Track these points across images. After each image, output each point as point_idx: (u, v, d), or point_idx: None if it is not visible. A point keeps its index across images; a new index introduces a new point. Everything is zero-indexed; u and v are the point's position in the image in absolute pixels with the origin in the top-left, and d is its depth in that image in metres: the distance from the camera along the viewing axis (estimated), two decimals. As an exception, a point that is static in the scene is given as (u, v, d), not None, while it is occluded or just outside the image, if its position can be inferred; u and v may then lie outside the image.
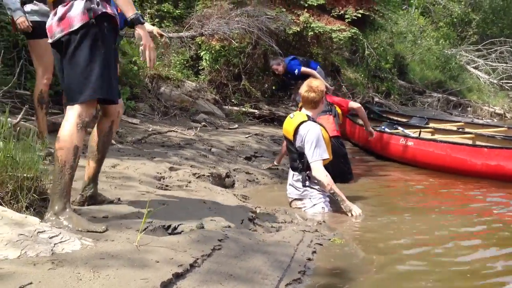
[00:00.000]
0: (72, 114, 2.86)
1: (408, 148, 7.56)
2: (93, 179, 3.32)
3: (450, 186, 6.36)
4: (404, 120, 10.33)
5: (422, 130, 8.74)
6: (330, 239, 3.64)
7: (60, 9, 2.88)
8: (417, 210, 4.99)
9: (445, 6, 24.00)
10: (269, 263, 2.83)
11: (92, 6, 2.86)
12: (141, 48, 2.99)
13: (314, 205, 4.65)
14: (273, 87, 11.18)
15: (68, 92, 2.94)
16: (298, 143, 4.66)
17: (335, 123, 6.33)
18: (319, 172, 4.53)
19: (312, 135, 4.58)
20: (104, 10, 2.90)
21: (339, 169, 5.79)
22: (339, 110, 6.60)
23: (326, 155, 4.60)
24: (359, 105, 7.03)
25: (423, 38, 21.42)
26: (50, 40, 2.94)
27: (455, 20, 24.59)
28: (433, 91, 17.94)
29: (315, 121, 4.75)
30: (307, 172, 4.66)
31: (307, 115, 4.73)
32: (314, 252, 3.29)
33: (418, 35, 21.32)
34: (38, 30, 4.77)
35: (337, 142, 6.18)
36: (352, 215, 4.46)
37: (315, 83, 4.83)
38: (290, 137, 4.73)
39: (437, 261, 3.50)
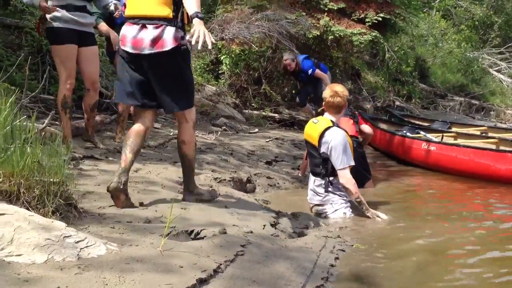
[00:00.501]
0: (188, 119, 3.67)
1: (430, 153, 7.49)
2: (128, 168, 3.55)
3: (474, 192, 6.28)
4: (426, 124, 10.24)
5: (444, 134, 8.65)
6: (352, 245, 3.63)
7: (153, 30, 3.42)
8: (440, 216, 4.92)
9: (466, 8, 23.80)
10: (292, 269, 2.82)
11: (181, 35, 3.44)
12: (192, 31, 3.21)
13: (336, 210, 4.63)
14: (293, 91, 11.18)
15: (166, 99, 3.56)
16: (323, 149, 4.63)
17: (355, 125, 6.34)
18: (347, 180, 4.51)
19: (339, 141, 4.55)
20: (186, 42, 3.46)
21: (357, 169, 5.79)
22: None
23: (353, 162, 4.58)
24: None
25: (444, 41, 21.25)
26: (133, 51, 3.46)
27: (476, 22, 24.34)
28: (455, 95, 17.78)
29: (339, 127, 4.73)
30: (330, 178, 4.64)
31: (331, 121, 4.71)
32: (336, 258, 3.28)
33: (440, 38, 21.15)
34: (61, 36, 4.84)
35: (354, 142, 6.12)
36: (382, 218, 4.46)
37: (339, 88, 4.81)
38: (315, 142, 4.70)
39: (461, 270, 3.46)
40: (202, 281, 2.37)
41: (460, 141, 8.32)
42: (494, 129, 9.86)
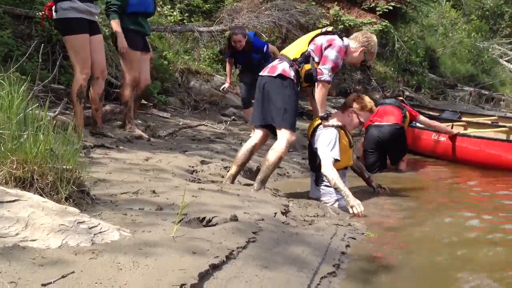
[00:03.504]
0: (284, 137, 4.32)
1: (440, 144, 7.45)
2: (231, 177, 4.55)
3: (484, 182, 6.26)
4: (435, 114, 10.17)
5: (454, 124, 8.60)
6: (363, 233, 3.64)
7: (276, 61, 4.50)
8: (448, 206, 4.93)
9: (476, -2, 23.61)
10: (304, 256, 2.83)
11: (292, 73, 4.35)
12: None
13: (337, 200, 4.58)
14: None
15: (271, 117, 4.37)
16: (314, 144, 4.63)
17: (401, 115, 6.69)
18: (326, 168, 4.40)
19: (327, 135, 4.53)
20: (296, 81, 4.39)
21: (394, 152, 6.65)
22: (407, 114, 6.91)
23: (337, 156, 4.47)
24: (425, 118, 7.44)
25: (454, 31, 21.12)
26: (260, 73, 4.55)
27: (487, 12, 24.16)
28: (465, 85, 17.69)
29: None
30: (320, 172, 4.62)
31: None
32: (347, 246, 3.28)
33: (450, 28, 21.02)
34: (77, 26, 4.86)
35: (398, 130, 6.61)
36: (353, 212, 4.22)
37: (365, 97, 4.94)
38: (309, 137, 4.75)
39: (471, 258, 3.46)
40: (215, 267, 2.38)
41: (470, 130, 8.28)
42: (505, 118, 9.78)
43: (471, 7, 23.96)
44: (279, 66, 4.39)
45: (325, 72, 4.32)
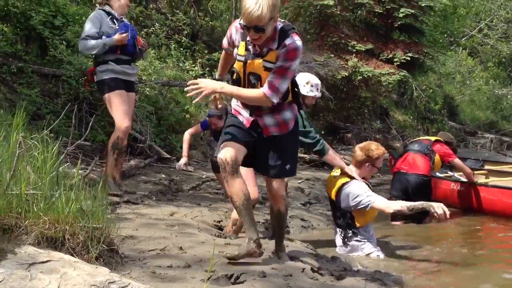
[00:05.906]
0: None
1: (458, 193, 7.35)
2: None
3: (506, 233, 6.16)
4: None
5: (475, 172, 8.48)
6: (393, 288, 3.58)
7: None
8: (475, 257, 4.85)
9: (493, 46, 23.74)
10: (334, 313, 2.80)
11: None
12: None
13: (368, 254, 4.56)
14: (322, 132, 11.19)
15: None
16: (343, 204, 4.61)
17: (429, 165, 6.64)
18: (388, 209, 4.37)
19: (358, 188, 4.52)
20: None
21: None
22: (438, 159, 6.85)
23: (376, 196, 4.48)
24: (459, 162, 7.19)
25: (472, 79, 21.20)
26: None
27: (503, 59, 24.26)
28: (485, 132, 17.59)
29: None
30: (352, 230, 4.62)
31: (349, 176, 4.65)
32: (378, 302, 3.23)
33: (467, 75, 21.12)
34: (114, 84, 5.17)
35: (425, 181, 6.58)
36: (436, 212, 4.15)
37: (373, 146, 4.77)
38: (333, 197, 4.72)
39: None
40: (246, 327, 2.36)
41: (492, 178, 8.17)
42: (528, 166, 9.62)
43: (487, 55, 24.08)
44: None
45: None
